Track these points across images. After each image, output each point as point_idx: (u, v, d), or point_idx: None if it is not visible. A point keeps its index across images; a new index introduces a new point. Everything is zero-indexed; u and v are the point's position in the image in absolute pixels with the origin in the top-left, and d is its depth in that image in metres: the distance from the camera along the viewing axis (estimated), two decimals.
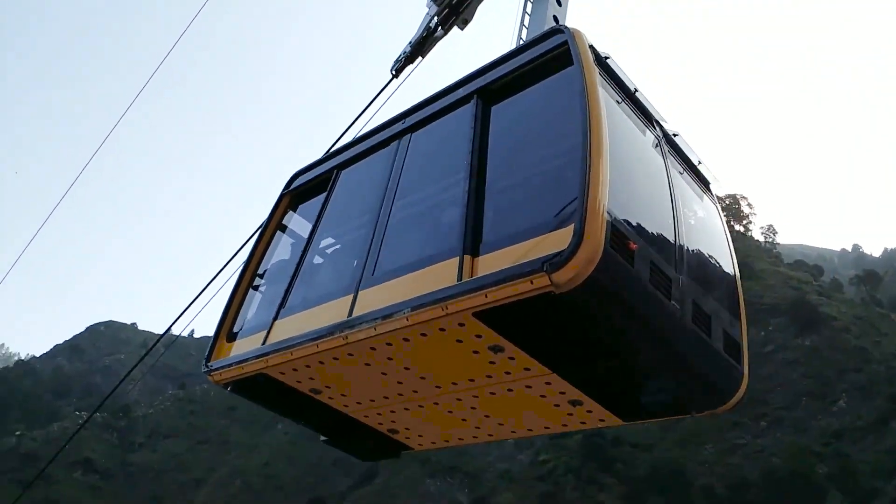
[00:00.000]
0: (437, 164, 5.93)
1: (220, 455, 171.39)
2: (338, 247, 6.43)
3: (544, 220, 4.53)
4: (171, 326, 9.48)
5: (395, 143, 6.17)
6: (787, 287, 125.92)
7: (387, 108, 8.13)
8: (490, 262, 4.54)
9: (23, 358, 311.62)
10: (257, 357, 5.81)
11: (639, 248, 4.42)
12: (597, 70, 4.99)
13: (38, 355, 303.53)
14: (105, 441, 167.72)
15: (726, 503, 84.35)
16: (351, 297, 5.32)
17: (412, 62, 8.27)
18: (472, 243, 4.70)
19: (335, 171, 6.76)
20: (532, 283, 4.08)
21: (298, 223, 7.08)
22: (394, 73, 8.31)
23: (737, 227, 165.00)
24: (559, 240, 4.17)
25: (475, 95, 5.68)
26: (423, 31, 8.13)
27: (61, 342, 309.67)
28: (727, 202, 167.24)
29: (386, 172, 5.99)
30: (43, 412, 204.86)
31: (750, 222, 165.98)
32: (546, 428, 5.96)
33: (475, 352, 4.85)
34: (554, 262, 4.00)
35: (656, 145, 5.60)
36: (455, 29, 7.91)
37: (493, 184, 5.14)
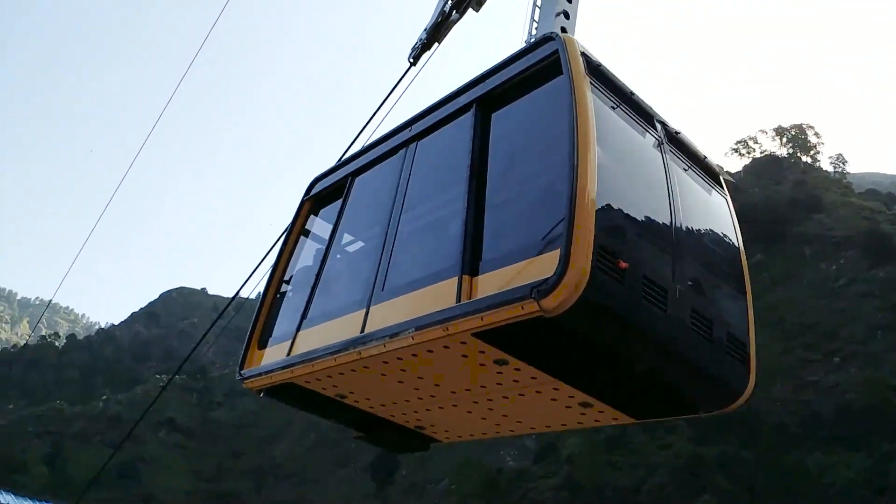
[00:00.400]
0: (441, 174, 5.97)
1: (294, 410, 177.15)
2: (353, 256, 6.58)
3: (536, 239, 4.55)
4: (239, 291, 9.77)
5: (403, 150, 6.24)
6: (858, 218, 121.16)
7: (407, 97, 8.19)
8: (487, 283, 4.64)
9: (103, 326, 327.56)
10: (283, 368, 6.11)
11: (629, 265, 4.42)
12: (587, 80, 4.90)
13: (116, 323, 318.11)
14: (185, 402, 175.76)
15: (800, 440, 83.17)
16: (363, 312, 5.51)
17: (429, 49, 8.25)
18: (471, 263, 4.79)
19: (350, 178, 6.88)
20: (522, 308, 4.17)
21: (321, 227, 7.24)
22: (411, 60, 8.30)
23: (804, 159, 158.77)
24: (548, 264, 4.20)
25: (475, 105, 5.67)
26: (437, 16, 8.06)
27: (137, 310, 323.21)
28: (793, 132, 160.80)
29: (395, 181, 6.07)
30: (125, 377, 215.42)
31: (818, 152, 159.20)
32: (563, 425, 6.09)
33: (482, 364, 5.01)
34: (541, 290, 4.06)
35: (657, 146, 5.48)
36: (470, 11, 7.87)
37: (491, 198, 5.16)
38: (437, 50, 8.25)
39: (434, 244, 5.59)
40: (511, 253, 4.69)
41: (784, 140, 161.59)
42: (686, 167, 5.75)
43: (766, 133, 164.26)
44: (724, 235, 5.96)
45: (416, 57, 8.29)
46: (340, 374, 5.73)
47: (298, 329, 6.25)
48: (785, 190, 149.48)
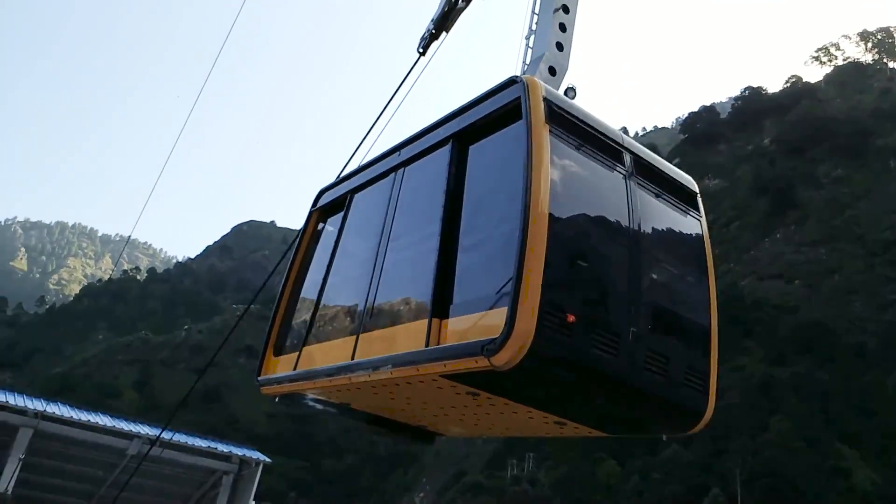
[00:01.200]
0: (424, 205, 6.02)
1: None
2: (349, 277, 6.76)
3: (492, 291, 4.71)
4: (306, 223, 9.79)
5: (393, 174, 6.41)
6: None
7: (421, 85, 8.37)
8: (453, 328, 4.92)
9: (180, 260, 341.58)
10: (290, 381, 6.61)
11: (577, 317, 4.55)
12: (546, 128, 4.94)
13: (192, 257, 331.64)
14: (261, 329, 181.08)
15: (878, 360, 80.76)
16: (354, 339, 5.87)
17: (437, 38, 8.36)
18: (440, 306, 5.05)
19: (349, 196, 7.09)
20: (476, 362, 4.42)
21: (328, 238, 7.47)
22: (420, 51, 8.41)
23: (891, 65, 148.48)
24: (498, 320, 4.39)
25: (452, 139, 5.74)
26: (444, 6, 8.15)
27: (212, 243, 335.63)
28: (879, 37, 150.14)
29: (385, 206, 6.28)
30: (204, 307, 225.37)
31: None
32: (547, 433, 6.34)
33: (457, 393, 5.30)
34: (489, 349, 4.29)
35: (624, 179, 5.47)
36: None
37: (462, 239, 5.32)
38: (446, 39, 8.46)
39: (412, 279, 5.77)
40: (473, 301, 4.91)
41: (869, 45, 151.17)
42: (657, 193, 5.73)
43: (850, 38, 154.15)
44: (694, 260, 5.96)
45: (424, 47, 8.40)
46: (338, 391, 6.22)
47: (303, 344, 6.67)
48: (869, 100, 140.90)
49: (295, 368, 6.53)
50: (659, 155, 6.22)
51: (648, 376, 4.99)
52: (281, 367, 6.97)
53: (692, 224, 6.03)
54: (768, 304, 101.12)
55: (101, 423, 18.63)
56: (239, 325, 9.72)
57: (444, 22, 8.23)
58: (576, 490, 79.19)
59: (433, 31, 8.33)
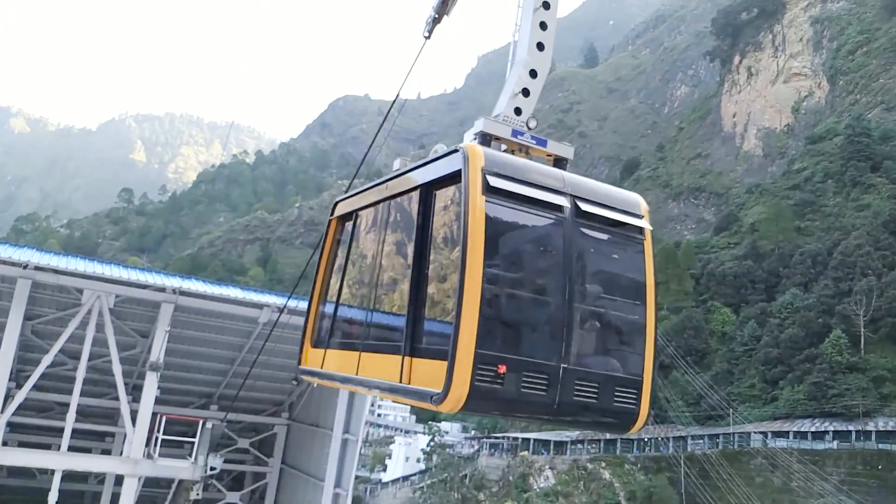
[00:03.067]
0: (403, 242, 6.53)
1: None
2: (357, 293, 7.43)
3: (441, 343, 5.33)
4: (399, 92, 9.62)
5: (382, 205, 6.97)
6: None
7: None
8: (416, 369, 5.68)
9: (284, 141, 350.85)
10: (319, 377, 7.76)
11: (508, 367, 5.18)
12: (482, 199, 5.37)
13: (295, 136, 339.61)
14: None
15: None
16: (358, 356, 6.70)
17: (440, 23, 8.82)
18: (411, 347, 5.77)
19: (355, 213, 7.65)
20: (430, 404, 5.21)
21: (344, 246, 8.00)
22: (426, 35, 8.85)
23: None
24: (442, 374, 5.06)
25: (420, 188, 6.20)
26: None
27: (311, 122, 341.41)
28: None
29: (378, 233, 6.92)
30: (312, 184, 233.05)
31: None
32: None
33: None
34: (435, 399, 5.10)
35: (563, 224, 5.84)
36: None
37: (429, 284, 5.90)
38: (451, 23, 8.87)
39: (395, 314, 6.42)
40: (430, 349, 5.63)
41: None
42: (599, 229, 6.06)
43: None
44: (633, 287, 6.27)
45: (430, 31, 8.86)
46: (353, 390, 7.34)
47: (327, 346, 7.65)
48: None
49: (322, 366, 7.61)
50: None
51: (579, 404, 5.61)
52: (313, 359, 7.95)
53: (634, 251, 6.32)
54: None
55: (233, 295, 19.94)
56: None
57: (444, 7, 8.70)
58: (689, 338, 79.49)
59: (436, 17, 8.76)
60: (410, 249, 6.13)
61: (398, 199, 6.67)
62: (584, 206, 5.95)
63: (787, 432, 62.52)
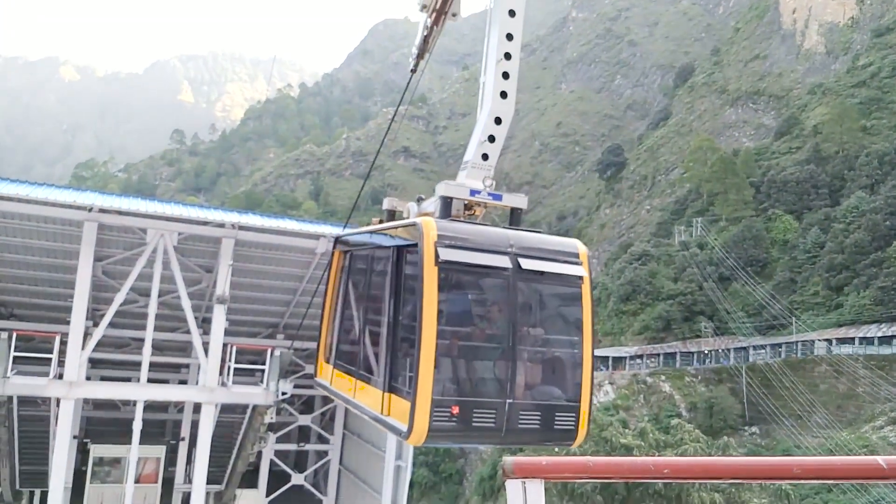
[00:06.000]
0: (382, 288, 7.45)
1: (515, 123, 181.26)
2: (351, 326, 8.50)
3: (408, 385, 6.38)
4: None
5: (368, 253, 8.13)
6: None
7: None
8: (393, 405, 6.73)
9: (327, 72, 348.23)
10: (328, 391, 8.88)
11: (460, 408, 6.29)
12: (436, 269, 6.33)
13: (337, 66, 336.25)
14: (414, 129, 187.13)
15: None
16: (354, 382, 7.82)
17: (423, 58, 10.07)
18: (390, 385, 6.82)
19: (351, 253, 8.76)
20: (400, 437, 6.37)
21: (345, 275, 9.01)
22: (412, 70, 10.25)
23: None
24: (407, 412, 6.22)
25: (392, 248, 7.22)
26: (423, 33, 9.71)
27: (352, 50, 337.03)
28: None
29: (367, 276, 8.09)
30: (357, 114, 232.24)
31: None
32: None
33: None
34: (403, 434, 6.24)
35: (509, 279, 6.73)
36: (450, 20, 9.54)
37: (402, 331, 6.89)
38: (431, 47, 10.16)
39: (379, 352, 7.32)
40: (401, 389, 6.64)
41: None
42: (540, 279, 6.96)
43: None
44: (572, 324, 7.18)
45: (415, 66, 10.23)
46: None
47: (334, 366, 8.73)
48: None
49: (331, 383, 8.76)
50: None
51: (524, 429, 6.65)
52: (325, 373, 9.06)
53: (572, 294, 7.20)
54: None
55: (290, 227, 20.25)
56: (392, 127, 10.75)
57: (425, 45, 9.87)
58: (749, 248, 77.83)
59: (418, 54, 10.00)
60: (388, 297, 7.17)
61: (379, 253, 7.85)
62: (525, 264, 6.82)
63: (853, 338, 61.41)
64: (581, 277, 7.19)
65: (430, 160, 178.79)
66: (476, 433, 6.59)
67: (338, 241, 9.42)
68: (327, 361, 9.11)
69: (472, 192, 7.19)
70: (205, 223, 19.28)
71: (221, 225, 19.16)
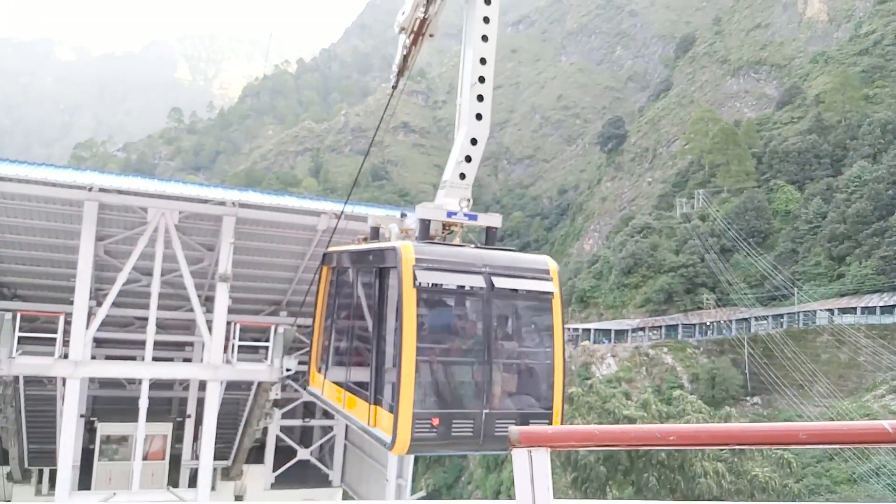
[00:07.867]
0: (367, 305, 7.99)
1: (515, 96, 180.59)
2: (340, 339, 9.00)
3: (391, 400, 6.88)
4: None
5: (353, 270, 8.65)
6: None
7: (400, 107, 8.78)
8: (378, 416, 7.29)
9: (325, 47, 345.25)
10: (320, 400, 9.40)
11: (440, 419, 6.75)
12: (414, 291, 6.85)
13: (335, 41, 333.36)
14: (413, 104, 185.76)
15: None
16: (343, 392, 8.34)
17: (403, 76, 10.86)
18: (375, 397, 7.34)
19: (338, 269, 9.22)
20: (385, 448, 6.83)
21: (334, 289, 9.45)
22: (393, 86, 11.13)
23: None
24: (390, 424, 6.78)
25: (374, 269, 7.73)
26: (402, 53, 10.38)
27: (350, 24, 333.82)
28: None
29: (353, 293, 8.62)
30: (356, 90, 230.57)
31: None
32: None
33: None
34: (387, 446, 6.74)
35: (483, 296, 7.24)
36: (427, 40, 10.14)
37: (386, 346, 7.40)
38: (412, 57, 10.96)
39: (365, 366, 7.78)
40: (386, 401, 7.14)
41: None
42: (512, 294, 7.54)
43: None
44: (545, 336, 7.71)
45: (395, 83, 11.08)
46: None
47: (325, 376, 9.13)
48: None
49: (322, 391, 9.20)
50: None
51: (501, 438, 7.04)
52: (316, 382, 9.49)
53: (543, 308, 7.69)
54: None
55: (290, 204, 20.20)
56: (391, 103, 11.63)
57: (404, 63, 10.56)
58: (751, 219, 77.68)
59: (398, 73, 10.82)
60: (371, 315, 7.63)
61: (363, 273, 8.31)
62: (498, 282, 7.34)
63: (855, 308, 61.49)
64: (551, 293, 7.65)
65: (429, 135, 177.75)
66: (456, 442, 7.06)
67: (325, 256, 9.97)
68: (318, 371, 9.56)
69: (449, 214, 7.69)
70: (205, 201, 19.24)
71: (222, 203, 19.13)
